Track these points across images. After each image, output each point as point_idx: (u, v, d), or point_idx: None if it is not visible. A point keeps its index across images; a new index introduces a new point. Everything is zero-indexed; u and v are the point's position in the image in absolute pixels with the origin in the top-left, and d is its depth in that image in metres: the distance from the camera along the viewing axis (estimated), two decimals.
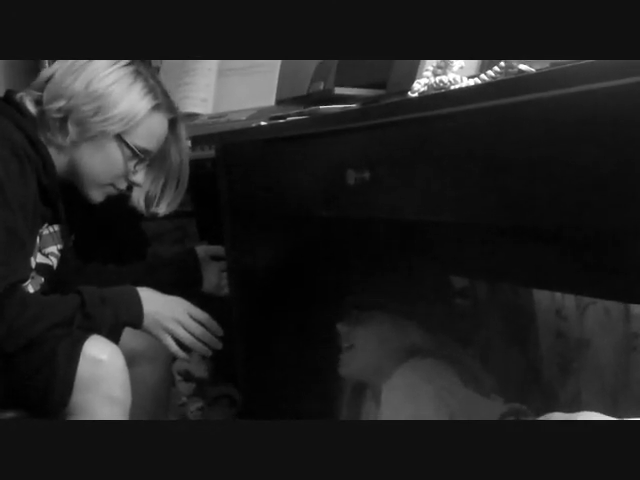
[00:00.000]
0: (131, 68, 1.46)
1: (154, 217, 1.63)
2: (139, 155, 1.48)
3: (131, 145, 1.46)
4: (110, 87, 1.43)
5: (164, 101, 1.50)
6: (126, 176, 1.51)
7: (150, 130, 1.49)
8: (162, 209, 1.60)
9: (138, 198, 1.58)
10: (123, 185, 1.53)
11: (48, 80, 1.45)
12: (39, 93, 1.45)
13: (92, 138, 1.45)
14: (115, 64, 1.45)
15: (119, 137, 1.45)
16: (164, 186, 1.59)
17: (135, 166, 1.50)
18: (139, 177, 1.52)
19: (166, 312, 1.44)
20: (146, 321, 1.42)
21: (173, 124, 1.55)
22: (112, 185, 1.51)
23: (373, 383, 1.58)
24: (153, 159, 1.54)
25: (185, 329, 1.46)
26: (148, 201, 1.59)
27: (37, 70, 1.59)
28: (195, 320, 1.48)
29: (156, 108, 1.48)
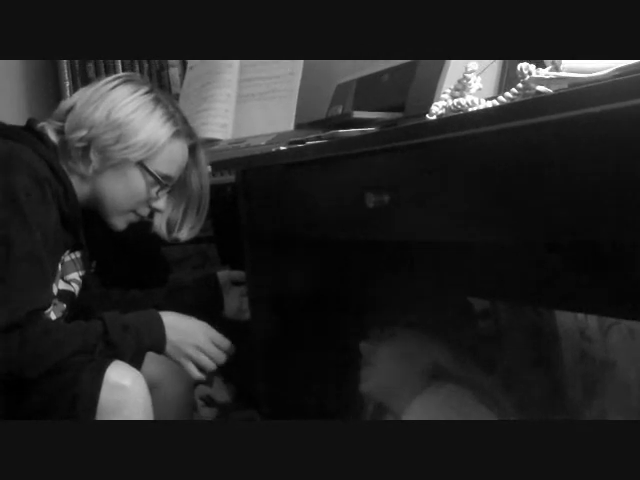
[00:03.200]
0: (151, 96, 1.48)
1: (176, 243, 1.64)
2: (161, 181, 1.49)
3: (153, 172, 1.47)
4: (130, 115, 1.44)
5: (184, 127, 1.51)
6: (148, 202, 1.52)
7: (171, 156, 1.50)
8: (184, 234, 1.61)
9: (160, 224, 1.59)
10: (145, 212, 1.54)
11: (69, 111, 1.47)
12: (60, 123, 1.47)
13: (114, 166, 1.46)
14: (135, 92, 1.46)
15: (141, 164, 1.47)
16: (185, 211, 1.60)
17: (157, 192, 1.51)
18: (161, 203, 1.53)
19: (188, 339, 1.44)
20: (168, 347, 1.43)
21: (193, 150, 1.56)
22: (134, 212, 1.52)
23: (393, 409, 1.57)
24: (174, 185, 1.55)
25: (207, 355, 1.47)
26: (170, 227, 1.60)
27: (58, 100, 1.61)
28: (217, 346, 1.48)
29: (176, 134, 1.49)
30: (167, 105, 1.49)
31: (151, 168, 1.47)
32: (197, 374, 1.47)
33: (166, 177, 1.50)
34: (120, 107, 1.44)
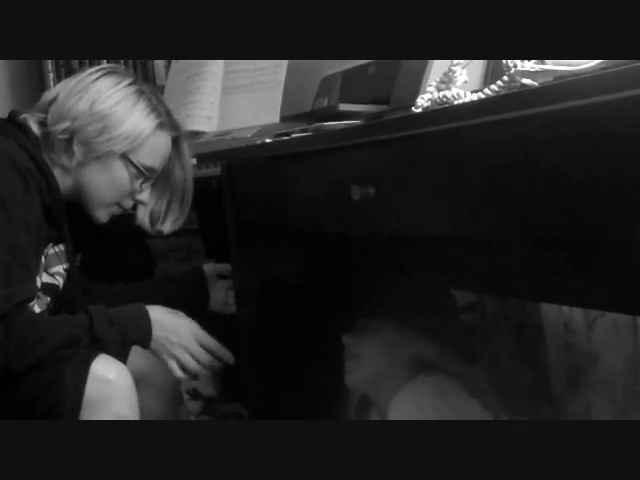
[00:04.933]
0: (134, 88, 1.47)
1: (159, 235, 1.63)
2: (145, 174, 1.49)
3: (137, 164, 1.47)
4: (114, 107, 1.43)
5: (167, 119, 1.51)
6: (132, 195, 1.51)
7: (155, 148, 1.49)
8: (167, 227, 1.60)
9: (143, 217, 1.58)
10: (129, 204, 1.53)
11: (51, 102, 1.46)
12: (43, 115, 1.46)
13: (98, 158, 1.45)
14: (118, 84, 1.46)
15: (124, 156, 1.46)
16: (169, 204, 1.59)
17: (141, 185, 1.50)
18: (144, 195, 1.53)
19: (173, 337, 1.43)
20: (153, 343, 1.42)
21: (176, 142, 1.56)
22: (118, 204, 1.52)
23: (379, 401, 1.57)
24: (157, 177, 1.54)
25: (191, 355, 1.46)
26: (153, 219, 1.59)
27: (42, 91, 1.60)
28: (203, 346, 1.47)
29: (160, 126, 1.49)
30: (150, 97, 1.49)
31: (135, 160, 1.47)
32: (179, 373, 1.46)
33: (150, 169, 1.49)
34: (104, 98, 1.44)
